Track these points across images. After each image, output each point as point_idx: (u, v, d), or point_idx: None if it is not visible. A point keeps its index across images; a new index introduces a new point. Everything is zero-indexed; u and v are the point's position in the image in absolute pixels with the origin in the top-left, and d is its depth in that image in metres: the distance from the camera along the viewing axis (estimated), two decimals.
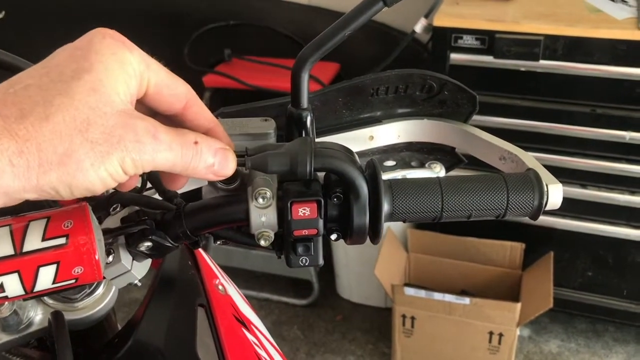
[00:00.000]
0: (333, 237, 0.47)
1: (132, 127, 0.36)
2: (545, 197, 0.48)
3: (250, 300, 2.52)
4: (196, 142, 0.40)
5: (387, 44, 2.00)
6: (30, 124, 0.34)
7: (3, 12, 2.24)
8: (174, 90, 0.41)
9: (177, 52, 2.18)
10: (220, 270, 0.72)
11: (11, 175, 0.33)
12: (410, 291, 1.79)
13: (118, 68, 0.37)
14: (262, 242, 0.46)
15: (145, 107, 0.41)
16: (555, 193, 0.48)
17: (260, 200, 0.45)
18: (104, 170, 0.36)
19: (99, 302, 0.54)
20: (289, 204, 0.44)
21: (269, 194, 0.45)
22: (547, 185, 0.48)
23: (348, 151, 0.46)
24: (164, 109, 0.41)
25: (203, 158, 0.40)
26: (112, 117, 0.36)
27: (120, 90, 0.37)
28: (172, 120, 0.43)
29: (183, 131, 0.40)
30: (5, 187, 0.34)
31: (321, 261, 0.47)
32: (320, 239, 0.47)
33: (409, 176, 0.59)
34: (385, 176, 0.59)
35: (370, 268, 1.81)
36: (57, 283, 0.42)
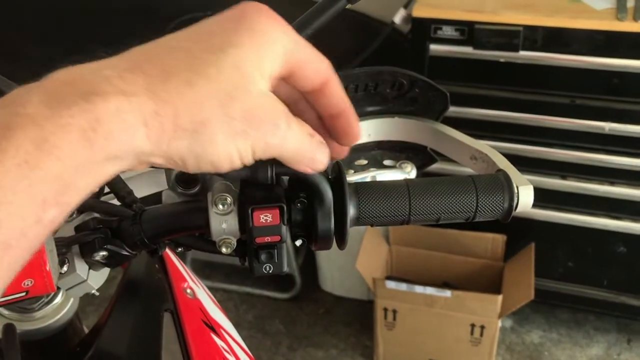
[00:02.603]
0: (298, 242, 0.46)
1: (272, 110, 0.35)
2: (515, 199, 0.47)
3: (231, 294, 2.48)
4: (311, 135, 0.38)
5: (368, 34, 1.98)
6: (173, 88, 0.33)
7: None
8: (317, 66, 0.39)
9: None
10: (190, 273, 0.71)
11: (143, 136, 0.32)
12: (391, 284, 1.78)
13: (268, 47, 0.36)
14: (224, 250, 0.44)
15: (283, 85, 0.39)
16: (526, 195, 0.47)
17: (221, 206, 0.43)
18: (234, 147, 0.34)
19: (57, 311, 0.52)
20: (249, 211, 0.42)
21: (229, 199, 0.43)
22: (517, 187, 0.47)
23: None
24: (304, 86, 0.39)
25: (313, 152, 0.39)
26: (255, 97, 0.35)
27: (265, 69, 0.35)
28: (307, 99, 0.41)
29: (302, 121, 0.38)
30: (135, 148, 0.32)
31: (285, 268, 0.45)
32: (284, 246, 0.45)
33: (379, 177, 0.58)
34: (355, 177, 0.58)
35: (352, 261, 1.80)
36: (6, 296, 0.40)
